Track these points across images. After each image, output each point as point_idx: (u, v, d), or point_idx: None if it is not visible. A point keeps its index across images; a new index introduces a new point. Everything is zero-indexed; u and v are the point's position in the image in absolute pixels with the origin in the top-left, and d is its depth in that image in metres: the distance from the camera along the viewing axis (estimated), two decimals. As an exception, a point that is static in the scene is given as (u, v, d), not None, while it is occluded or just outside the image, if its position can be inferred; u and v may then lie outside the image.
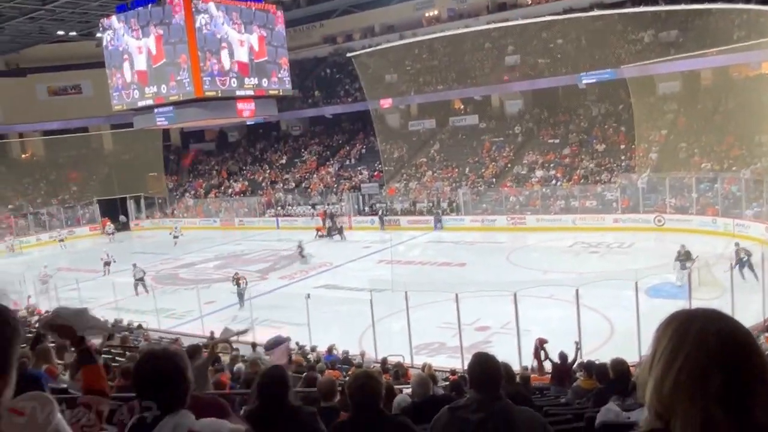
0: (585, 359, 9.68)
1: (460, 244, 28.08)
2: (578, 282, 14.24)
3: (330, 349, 13.61)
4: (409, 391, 8.39)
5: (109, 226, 38.64)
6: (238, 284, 20.79)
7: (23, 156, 47.70)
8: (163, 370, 1.97)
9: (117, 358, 8.52)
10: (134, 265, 23.93)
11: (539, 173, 33.08)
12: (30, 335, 9.99)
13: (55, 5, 32.57)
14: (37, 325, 14.87)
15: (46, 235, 39.32)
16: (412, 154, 38.85)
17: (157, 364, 1.98)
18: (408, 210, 34.14)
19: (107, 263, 30.59)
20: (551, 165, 33.36)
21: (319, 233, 33.03)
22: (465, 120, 39.35)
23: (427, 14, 42.78)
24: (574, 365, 9.31)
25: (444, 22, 41.58)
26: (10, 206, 41.59)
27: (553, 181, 32.05)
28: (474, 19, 40.27)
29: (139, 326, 16.61)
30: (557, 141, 35.01)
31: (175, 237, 32.22)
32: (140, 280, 23.27)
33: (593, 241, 25.51)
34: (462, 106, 40.09)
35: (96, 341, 8.94)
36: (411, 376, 11.21)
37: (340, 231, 32.26)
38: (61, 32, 38.11)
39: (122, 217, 42.42)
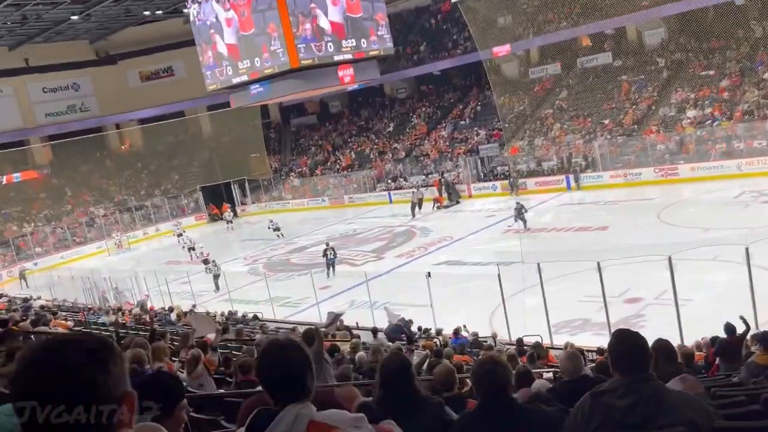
0: (760, 330, 9.16)
1: (600, 205, 27.24)
2: (748, 239, 13.37)
3: (457, 332, 13.72)
4: (549, 375, 8.34)
5: (228, 213, 40.32)
6: (326, 255, 23.35)
7: (122, 148, 51.25)
8: (288, 361, 2.11)
9: (234, 352, 9.03)
10: (213, 262, 24.97)
11: (691, 113, 31.20)
12: (146, 333, 10.86)
13: (138, -16, 34.54)
14: (155, 322, 16.17)
15: (152, 228, 42.32)
16: (535, 107, 37.89)
17: (283, 356, 2.13)
18: (535, 171, 33.46)
19: (191, 248, 32.49)
20: (706, 102, 31.35)
21: (438, 204, 33.19)
22: (596, 59, 37.69)
23: (541, -59, 41.18)
24: (747, 337, 8.84)
25: (562, -53, 39.88)
26: (114, 200, 45.09)
27: (710, 121, 30.15)
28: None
29: (255, 317, 17.54)
30: (712, 73, 32.80)
31: (276, 230, 32.40)
32: (216, 277, 24.28)
33: (765, 189, 23.85)
34: (591, 44, 38.45)
35: (210, 336, 9.57)
36: (552, 358, 11.11)
37: (416, 206, 32.46)
38: (147, 12, 40.30)
39: (227, 205, 44.81)
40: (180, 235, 36.05)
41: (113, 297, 23.70)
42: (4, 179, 42.81)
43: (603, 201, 27.69)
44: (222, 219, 41.48)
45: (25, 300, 21.41)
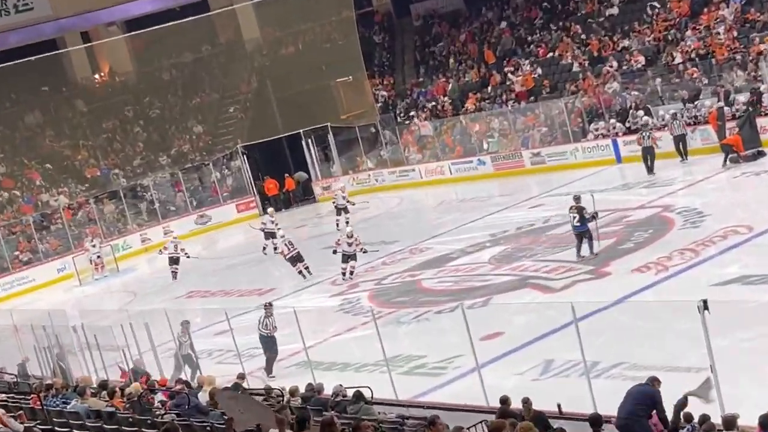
0: None
1: None
2: None
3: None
4: None
5: (342, 192, 38.54)
6: (580, 216, 24.67)
7: (97, 79, 53.01)
8: None
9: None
10: (266, 309, 24.23)
11: None
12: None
13: None
14: (172, 410, 16.57)
15: (157, 228, 43.64)
16: None
17: None
18: None
19: (174, 259, 33.86)
20: None
21: (734, 152, 32.15)
22: None
23: None
24: None
25: None
26: (87, 179, 46.88)
27: None
28: None
29: (359, 396, 17.69)
30: None
31: (350, 261, 29.95)
32: (268, 344, 23.71)
33: None
34: None
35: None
36: None
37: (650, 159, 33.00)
38: None
39: (301, 174, 45.41)
40: (272, 235, 35.05)
41: (128, 361, 24.30)
42: None
43: None
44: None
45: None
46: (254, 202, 45.53)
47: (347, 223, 36.90)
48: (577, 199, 25.56)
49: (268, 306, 23.67)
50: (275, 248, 34.55)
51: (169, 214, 44.70)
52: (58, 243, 42.40)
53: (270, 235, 35.51)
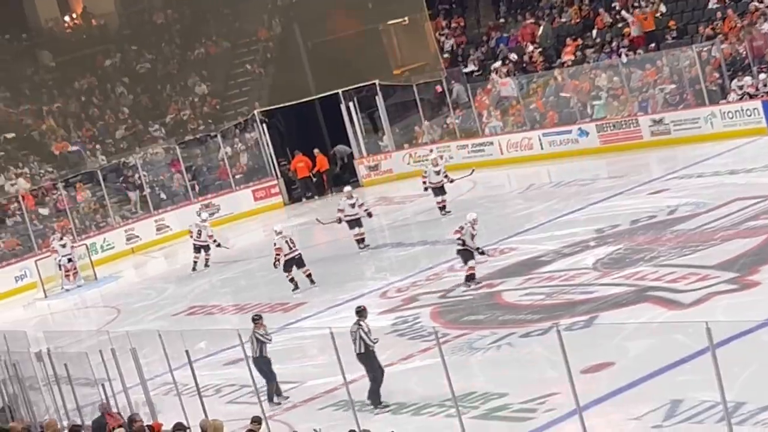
0: None
1: None
2: None
3: None
4: None
5: (431, 167, 37.77)
6: None
7: (68, 22, 53.33)
8: None
9: None
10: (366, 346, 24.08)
11: None
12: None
13: None
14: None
15: (148, 222, 44.23)
16: None
17: None
18: None
19: (200, 248, 35.08)
20: None
21: None
22: None
23: None
24: None
25: None
26: (55, 156, 46.78)
27: None
28: None
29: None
30: None
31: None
32: None
33: None
34: None
35: None
36: None
37: None
38: None
39: (343, 148, 45.34)
40: (358, 223, 34.89)
41: (109, 399, 24.33)
42: None
43: None
44: (312, 192, 42.06)
45: None
46: (277, 186, 45.50)
47: (443, 208, 36.77)
48: None
49: (362, 310, 22.40)
50: (363, 240, 34.77)
51: (163, 204, 44.63)
52: (15, 242, 42.54)
53: (355, 223, 34.93)
